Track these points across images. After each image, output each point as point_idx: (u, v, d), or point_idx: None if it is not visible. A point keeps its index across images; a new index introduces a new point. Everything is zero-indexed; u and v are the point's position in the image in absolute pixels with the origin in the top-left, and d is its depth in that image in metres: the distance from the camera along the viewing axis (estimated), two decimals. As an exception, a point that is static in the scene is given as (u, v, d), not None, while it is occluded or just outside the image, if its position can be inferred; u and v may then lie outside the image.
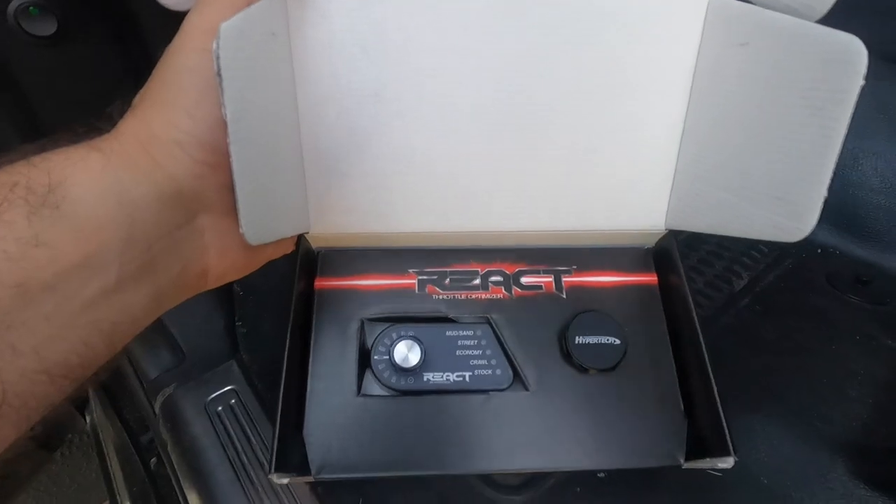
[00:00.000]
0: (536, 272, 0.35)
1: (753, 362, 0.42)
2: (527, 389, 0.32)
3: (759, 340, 0.44)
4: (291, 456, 0.29)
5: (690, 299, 0.32)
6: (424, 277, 0.35)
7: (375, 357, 0.32)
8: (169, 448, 0.41)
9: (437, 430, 0.30)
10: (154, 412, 0.44)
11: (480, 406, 0.32)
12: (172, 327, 0.48)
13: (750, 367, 0.42)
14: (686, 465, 0.30)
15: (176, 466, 0.40)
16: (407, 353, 0.31)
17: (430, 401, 0.31)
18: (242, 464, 0.39)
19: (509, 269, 0.35)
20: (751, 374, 0.41)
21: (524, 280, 0.35)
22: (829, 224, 0.51)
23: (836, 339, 0.43)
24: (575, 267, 0.35)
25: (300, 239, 0.33)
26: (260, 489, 0.38)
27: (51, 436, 0.84)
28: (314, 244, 0.35)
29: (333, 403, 0.31)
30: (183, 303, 0.25)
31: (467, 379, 0.32)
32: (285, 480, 0.28)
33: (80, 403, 0.57)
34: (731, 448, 0.28)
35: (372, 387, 0.32)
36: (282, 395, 0.29)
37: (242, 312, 0.49)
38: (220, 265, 0.26)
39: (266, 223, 0.25)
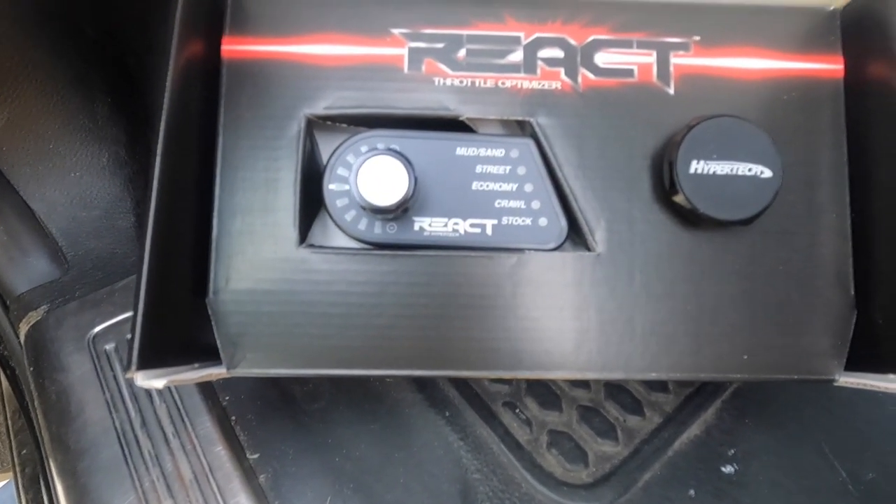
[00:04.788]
0: (626, 44, 0.25)
1: None
2: (590, 250, 0.24)
3: None
4: (174, 332, 0.21)
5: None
6: (420, 45, 0.25)
7: (331, 186, 0.23)
8: (35, 402, 0.29)
9: (432, 309, 0.23)
10: (20, 345, 0.32)
11: (510, 274, 0.24)
12: (50, 221, 0.32)
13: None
14: (842, 381, 0.24)
15: (41, 432, 0.29)
16: (385, 180, 0.22)
17: (422, 263, 0.24)
18: (136, 436, 0.27)
19: (577, 38, 0.25)
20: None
21: (602, 58, 0.25)
22: None
23: None
24: (696, 38, 0.25)
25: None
26: (158, 479, 0.26)
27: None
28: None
29: (258, 256, 0.23)
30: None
31: (489, 230, 0.24)
32: (160, 383, 0.19)
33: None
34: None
35: (325, 234, 0.25)
36: (151, 227, 0.20)
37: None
38: None
39: None
